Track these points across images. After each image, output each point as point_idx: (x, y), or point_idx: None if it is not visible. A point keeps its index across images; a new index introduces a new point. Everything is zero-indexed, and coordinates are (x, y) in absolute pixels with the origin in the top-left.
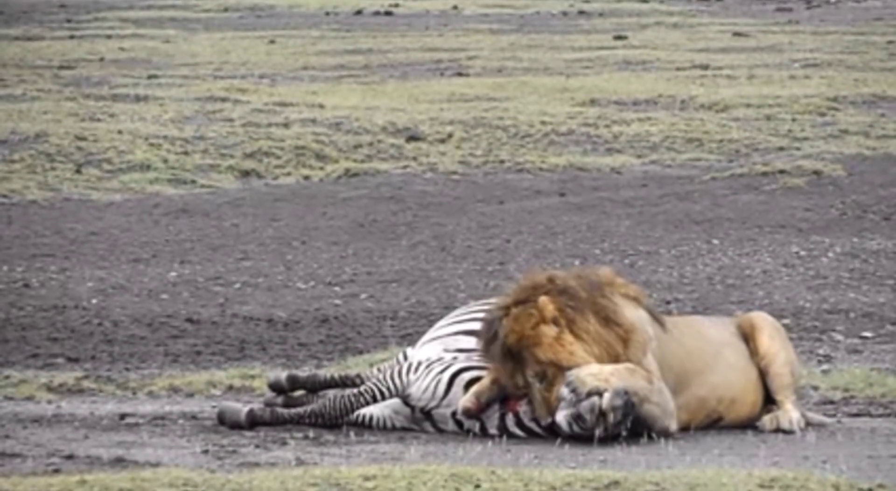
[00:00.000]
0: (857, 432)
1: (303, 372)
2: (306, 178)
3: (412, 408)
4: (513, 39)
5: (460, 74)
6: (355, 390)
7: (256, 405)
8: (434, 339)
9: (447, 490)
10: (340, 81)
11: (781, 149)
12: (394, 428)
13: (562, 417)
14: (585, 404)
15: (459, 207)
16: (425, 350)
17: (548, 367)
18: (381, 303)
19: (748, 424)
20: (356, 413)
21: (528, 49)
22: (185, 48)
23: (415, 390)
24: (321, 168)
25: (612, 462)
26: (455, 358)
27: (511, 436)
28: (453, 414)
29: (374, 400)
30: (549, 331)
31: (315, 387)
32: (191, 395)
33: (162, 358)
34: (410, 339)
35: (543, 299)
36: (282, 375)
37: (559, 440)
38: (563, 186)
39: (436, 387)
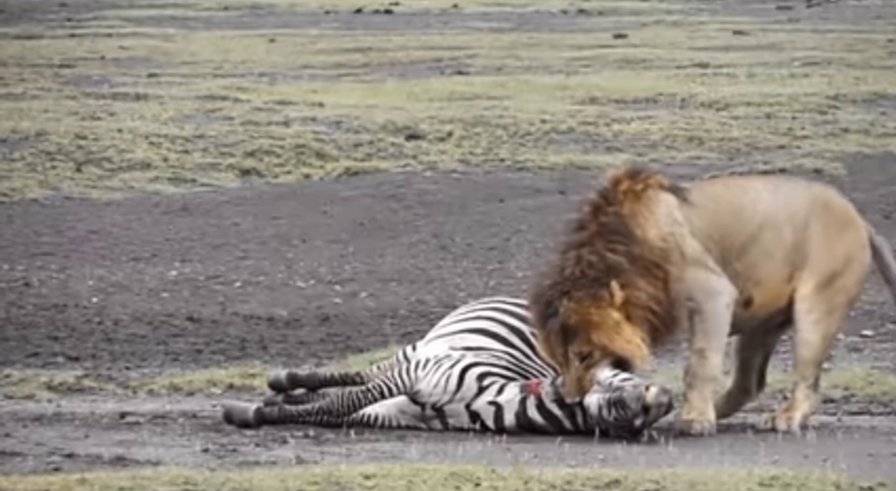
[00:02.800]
0: (857, 431)
1: (303, 371)
2: (306, 176)
3: (422, 405)
4: (513, 38)
5: (460, 73)
6: (363, 387)
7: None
8: (439, 337)
9: (447, 489)
10: (340, 80)
11: (782, 147)
12: (399, 427)
13: (594, 399)
14: (632, 392)
15: (459, 206)
16: (431, 348)
17: (597, 349)
18: (382, 301)
19: (777, 314)
20: (361, 412)
21: (528, 47)
22: (186, 47)
23: (424, 386)
24: (321, 167)
25: (613, 460)
26: (463, 355)
27: (528, 424)
28: (467, 407)
29: (382, 396)
30: (613, 316)
31: (315, 385)
32: (191, 393)
33: (162, 357)
34: (410, 337)
35: (615, 284)
36: (282, 373)
37: (559, 440)
38: (563, 185)
39: (447, 381)
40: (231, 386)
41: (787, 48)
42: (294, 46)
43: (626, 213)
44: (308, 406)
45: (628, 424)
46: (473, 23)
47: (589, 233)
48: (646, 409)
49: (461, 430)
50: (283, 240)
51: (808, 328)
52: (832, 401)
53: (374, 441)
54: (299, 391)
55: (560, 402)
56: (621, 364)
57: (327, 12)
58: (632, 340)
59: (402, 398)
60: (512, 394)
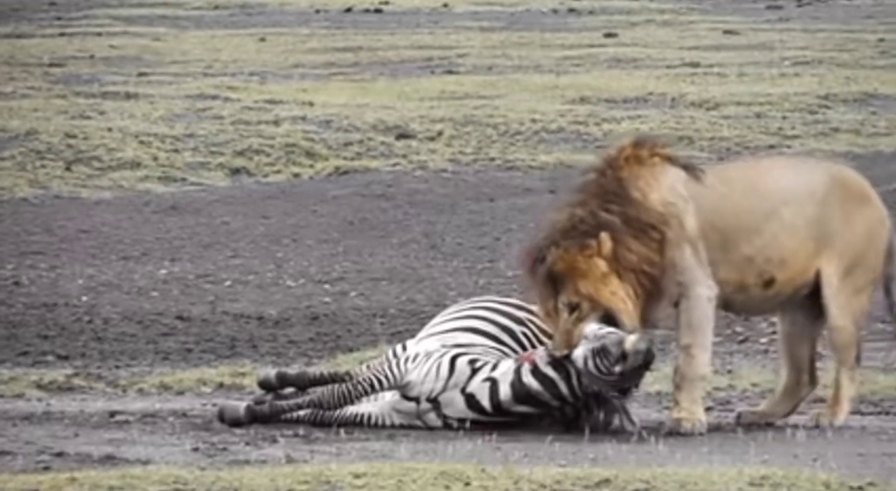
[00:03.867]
0: (847, 430)
1: (292, 370)
2: (296, 175)
3: (416, 400)
4: (503, 37)
5: (450, 72)
6: (353, 380)
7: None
8: (430, 335)
9: (437, 488)
10: (330, 79)
11: (772, 147)
12: (393, 426)
13: (580, 351)
14: (613, 337)
15: (449, 205)
16: (422, 345)
17: (584, 300)
18: (371, 301)
19: (801, 290)
20: (354, 412)
21: (518, 47)
22: (176, 46)
23: (415, 377)
24: (311, 166)
25: (603, 460)
26: (453, 348)
27: (524, 393)
28: (462, 391)
29: (372, 389)
30: (600, 266)
31: (304, 384)
32: (181, 392)
33: (152, 356)
34: (400, 336)
35: (605, 235)
36: (271, 372)
37: (550, 439)
38: (553, 184)
39: (438, 369)
40: (221, 385)
41: (777, 48)
42: (284, 45)
43: (626, 176)
44: (298, 400)
45: (611, 376)
46: (463, 22)
47: (586, 193)
48: (625, 355)
49: (452, 429)
50: (272, 239)
51: (838, 313)
52: (822, 400)
53: (364, 440)
54: (289, 391)
55: (554, 364)
56: (609, 322)
57: (317, 11)
58: (617, 293)
59: (396, 397)
60: (506, 367)
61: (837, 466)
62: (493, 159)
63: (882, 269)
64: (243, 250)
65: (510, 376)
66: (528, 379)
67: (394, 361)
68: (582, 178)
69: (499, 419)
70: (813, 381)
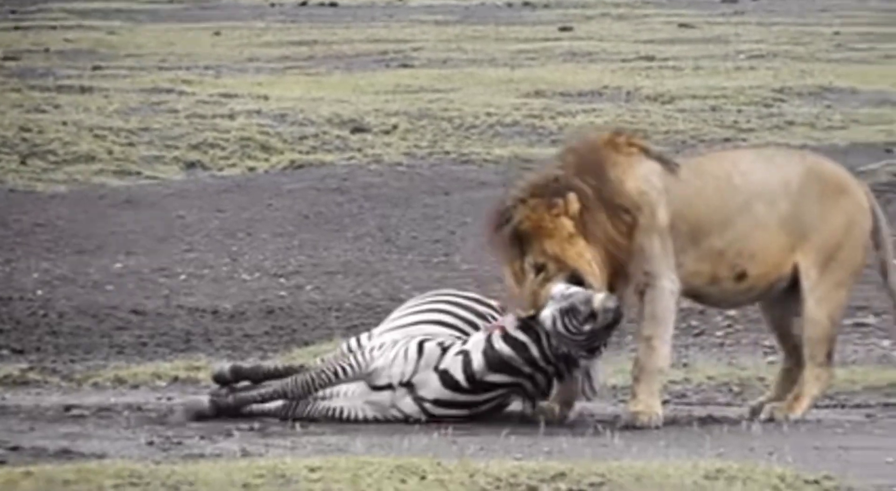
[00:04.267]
0: (803, 424)
1: (247, 363)
2: (251, 169)
3: (388, 387)
4: (458, 31)
5: (405, 66)
6: (317, 369)
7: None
8: (394, 328)
9: (393, 482)
10: (285, 73)
11: (727, 140)
12: (366, 420)
13: (548, 312)
14: (581, 295)
15: (404, 199)
16: (386, 336)
17: (550, 261)
18: (327, 294)
19: (777, 284)
20: (326, 406)
21: (473, 40)
22: (130, 40)
23: (382, 363)
24: (266, 159)
25: (558, 453)
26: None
27: (497, 359)
28: (436, 369)
29: (337, 378)
30: (567, 225)
31: (259, 378)
32: (136, 386)
33: (107, 349)
34: (356, 330)
35: (572, 195)
36: (226, 366)
37: (506, 432)
38: (508, 178)
39: (406, 353)
40: (176, 379)
41: (732, 41)
42: (239, 39)
43: (605, 158)
44: (262, 391)
45: (580, 335)
46: (418, 16)
47: (562, 162)
48: (594, 314)
49: (427, 416)
50: (227, 233)
51: (814, 306)
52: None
53: (319, 434)
54: (243, 384)
55: (524, 327)
56: (576, 283)
57: (272, 5)
58: (584, 255)
59: (367, 389)
60: (477, 338)
61: (793, 459)
62: (447, 153)
63: (872, 256)
64: (198, 244)
65: (482, 345)
66: (500, 345)
67: (358, 351)
68: (559, 153)
69: (474, 399)
70: None
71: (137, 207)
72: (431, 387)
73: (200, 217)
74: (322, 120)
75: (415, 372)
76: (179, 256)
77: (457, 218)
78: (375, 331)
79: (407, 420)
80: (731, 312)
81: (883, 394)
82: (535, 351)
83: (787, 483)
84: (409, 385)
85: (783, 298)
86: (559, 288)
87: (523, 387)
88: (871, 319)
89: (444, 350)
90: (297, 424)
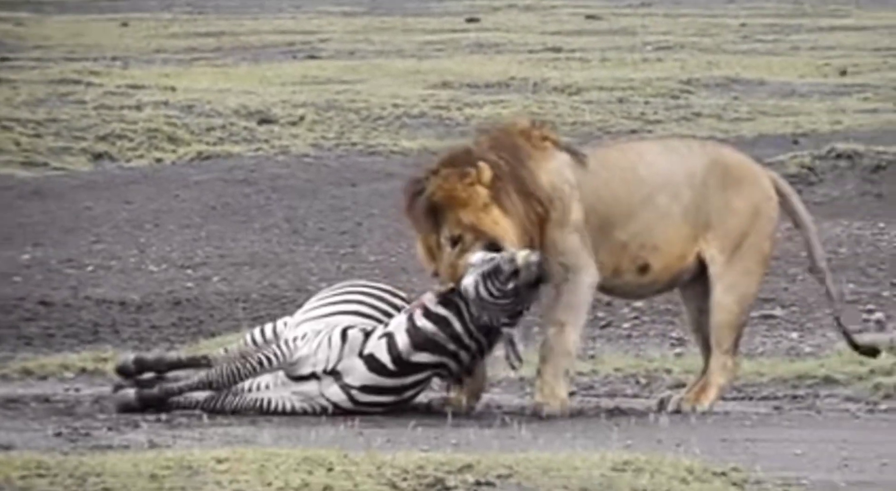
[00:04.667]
0: (710, 416)
1: (150, 355)
2: (158, 160)
3: (313, 376)
4: (365, 22)
5: (312, 57)
6: (243, 359)
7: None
8: (312, 319)
9: (299, 473)
10: (193, 64)
11: (634, 132)
12: (293, 412)
13: (470, 279)
14: (504, 255)
15: (311, 190)
16: (305, 327)
17: (467, 231)
18: (234, 286)
19: (681, 276)
20: (253, 398)
21: (380, 32)
22: (38, 31)
23: (306, 351)
24: (173, 151)
25: (465, 445)
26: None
27: (421, 338)
28: (360, 354)
29: (262, 367)
30: (481, 193)
31: (163, 368)
32: (44, 377)
33: (14, 341)
34: (262, 321)
35: (484, 164)
36: (129, 357)
37: (413, 424)
38: (414, 169)
39: (329, 340)
40: (83, 370)
41: (639, 33)
42: (146, 30)
43: (520, 146)
44: (189, 381)
45: (504, 298)
46: (325, 7)
47: (478, 142)
48: (517, 271)
49: (356, 406)
50: (135, 224)
51: (722, 292)
52: (684, 385)
53: (226, 426)
54: (147, 375)
55: (445, 302)
56: (494, 250)
57: None
58: (500, 223)
59: (287, 380)
60: (398, 320)
61: (701, 451)
62: (354, 144)
63: (779, 248)
64: (106, 235)
65: (404, 325)
66: (422, 322)
67: (282, 341)
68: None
69: (400, 382)
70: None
71: (45, 199)
72: (357, 373)
73: (108, 208)
74: (229, 111)
75: (339, 359)
76: (87, 247)
77: (364, 209)
78: (290, 321)
79: (335, 409)
80: (639, 304)
81: (790, 386)
82: (457, 325)
83: (694, 475)
84: (334, 373)
85: (702, 303)
86: (478, 255)
87: (448, 367)
88: (778, 311)
89: (367, 335)
90: (205, 416)
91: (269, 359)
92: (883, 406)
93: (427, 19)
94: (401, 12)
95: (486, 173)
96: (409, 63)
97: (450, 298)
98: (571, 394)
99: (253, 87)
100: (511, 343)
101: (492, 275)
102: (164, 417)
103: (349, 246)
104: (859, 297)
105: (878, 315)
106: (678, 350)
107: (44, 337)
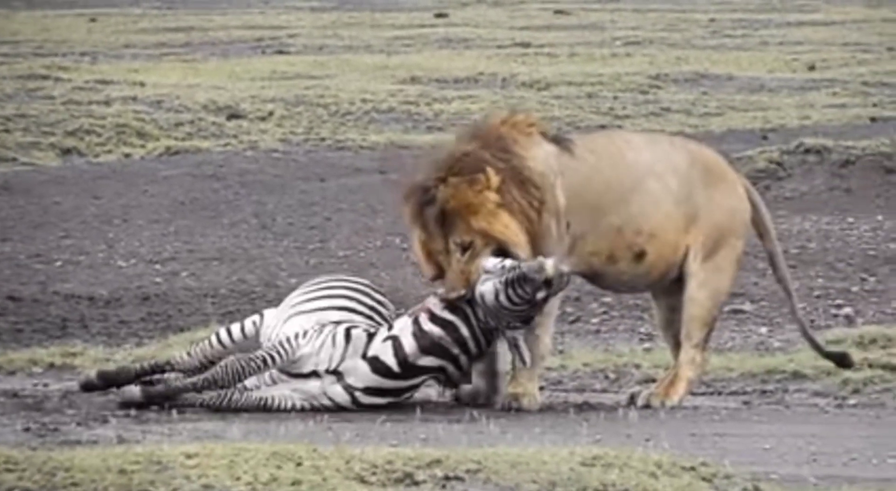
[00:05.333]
0: (679, 410)
1: (112, 368)
2: (127, 156)
3: (314, 374)
4: (334, 17)
5: (281, 52)
6: (246, 357)
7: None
8: (299, 313)
9: (269, 468)
10: (161, 59)
11: (603, 127)
12: (293, 408)
13: (489, 286)
14: (532, 265)
15: (280, 185)
16: (296, 323)
17: (477, 236)
18: (203, 281)
19: (672, 268)
20: (257, 396)
21: (348, 27)
22: (6, 26)
23: (309, 349)
24: (142, 146)
25: (434, 440)
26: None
27: (428, 342)
28: (363, 357)
29: (265, 365)
30: (491, 199)
31: (129, 379)
32: (12, 372)
33: None
34: (231, 316)
35: (491, 170)
36: (91, 373)
37: (381, 419)
38: (383, 164)
39: (333, 339)
40: (52, 365)
41: (608, 28)
42: (115, 26)
43: (506, 136)
44: (193, 379)
45: (524, 305)
46: (294, 2)
47: (463, 139)
48: (548, 282)
49: (358, 406)
50: (103, 219)
51: (696, 287)
52: (654, 381)
53: (195, 421)
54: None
55: (451, 307)
56: (502, 255)
57: None
58: (510, 226)
59: (292, 378)
60: (403, 322)
61: (670, 446)
62: (323, 139)
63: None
64: (74, 230)
65: (410, 328)
66: (429, 326)
67: (284, 338)
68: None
69: (402, 385)
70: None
71: (13, 194)
72: (361, 374)
73: (76, 204)
74: (198, 106)
75: (342, 359)
76: (55, 242)
77: (333, 204)
78: (271, 314)
79: (336, 409)
80: (608, 299)
81: (759, 381)
82: (464, 330)
83: (663, 470)
84: (336, 373)
85: (673, 301)
86: (493, 261)
87: (447, 371)
88: (747, 306)
89: (371, 336)
90: (174, 411)
91: (272, 357)
92: (851, 401)
93: (396, 14)
94: (369, 7)
95: (495, 179)
96: (378, 58)
97: (455, 304)
98: (541, 388)
99: (222, 82)
100: (516, 347)
101: (516, 283)
102: (133, 412)
103: (318, 241)
104: (828, 292)
105: (847, 310)
106: (647, 345)
107: (12, 332)
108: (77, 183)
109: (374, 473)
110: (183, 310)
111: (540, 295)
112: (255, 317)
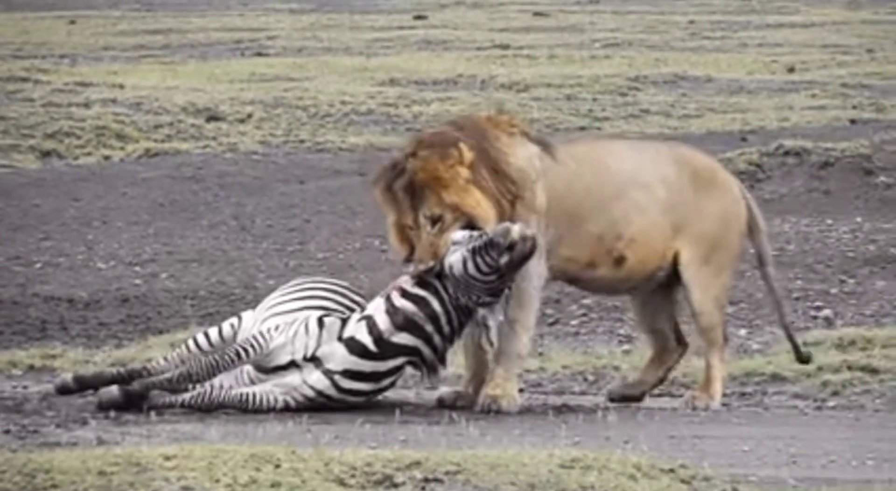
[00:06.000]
0: (658, 412)
1: (89, 372)
2: (107, 158)
3: (293, 365)
4: (313, 19)
5: (260, 54)
6: (220, 352)
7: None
8: (278, 314)
9: (247, 470)
10: (140, 61)
11: (582, 129)
12: (275, 403)
13: (457, 256)
14: (498, 229)
15: (259, 187)
16: (272, 323)
17: (448, 210)
18: (182, 283)
19: (658, 273)
20: (238, 392)
21: (327, 29)
22: None
23: (282, 340)
24: (122, 148)
25: (414, 442)
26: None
27: (402, 318)
28: (339, 338)
29: (239, 358)
30: (463, 174)
31: (104, 383)
32: None
33: None
34: (211, 318)
35: (464, 145)
36: (67, 377)
37: (360, 420)
38: (362, 166)
39: (306, 327)
40: (31, 367)
41: (587, 30)
42: (94, 28)
43: (489, 131)
44: (168, 375)
45: (492, 273)
46: (273, 4)
47: (446, 126)
48: (512, 245)
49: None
50: (83, 221)
51: (700, 297)
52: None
53: (174, 422)
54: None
55: (421, 283)
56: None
57: None
58: (481, 203)
59: (270, 374)
60: (376, 303)
61: (649, 448)
62: (302, 141)
63: (743, 245)
64: (54, 233)
65: (383, 306)
66: (401, 302)
67: (256, 332)
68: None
69: (380, 366)
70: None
71: None
72: (338, 357)
73: (56, 206)
74: (177, 108)
75: (318, 346)
76: (35, 244)
77: (312, 206)
78: (249, 317)
79: (319, 397)
80: (587, 301)
81: (738, 383)
82: (436, 305)
83: (642, 472)
84: (314, 359)
85: (651, 295)
86: (462, 234)
87: (422, 353)
88: (727, 308)
89: (345, 321)
90: (153, 412)
91: (245, 350)
92: (830, 403)
93: (375, 16)
94: (348, 9)
95: (468, 154)
96: (357, 60)
97: (427, 280)
98: (520, 391)
99: (201, 84)
100: (485, 326)
101: (482, 250)
102: (112, 413)
103: (297, 243)
104: (807, 293)
105: (826, 312)
106: (626, 347)
107: None
108: (56, 185)
109: (353, 476)
110: (162, 312)
111: (504, 259)
112: (233, 320)
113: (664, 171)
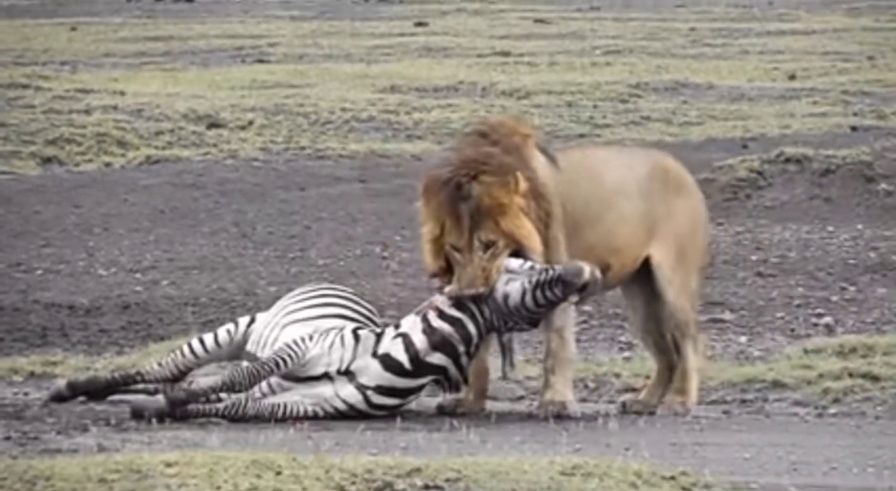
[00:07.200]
0: (659, 419)
1: (82, 378)
2: (108, 164)
3: (326, 376)
4: (314, 26)
5: (261, 61)
6: (259, 361)
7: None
8: (294, 322)
9: (248, 477)
10: (141, 68)
11: (583, 136)
12: (305, 413)
13: (516, 286)
14: (570, 268)
15: (260, 194)
16: (293, 330)
17: (502, 237)
18: (183, 289)
19: (625, 276)
20: (270, 403)
21: (328, 36)
22: None
23: (318, 351)
24: (122, 155)
25: (414, 449)
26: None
27: (438, 338)
28: (374, 354)
29: (278, 367)
30: (519, 203)
31: (98, 389)
32: None
33: None
34: (211, 325)
35: (520, 174)
36: (61, 384)
37: (361, 427)
38: (363, 173)
39: (342, 340)
40: (32, 374)
41: (588, 36)
42: (95, 35)
43: (521, 146)
44: (213, 383)
45: (549, 307)
46: (274, 11)
47: (486, 141)
48: (584, 286)
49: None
50: (84, 228)
51: (676, 296)
52: (634, 389)
53: (175, 429)
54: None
55: (458, 305)
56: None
57: (129, 1)
58: (533, 233)
59: (306, 384)
60: (411, 320)
61: (650, 455)
62: (303, 148)
63: (707, 246)
64: (55, 239)
65: (419, 325)
66: (438, 323)
67: (291, 342)
68: (461, 142)
69: (412, 384)
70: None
71: None
72: (372, 373)
73: (57, 212)
74: (178, 115)
75: (353, 359)
76: (36, 251)
77: (312, 213)
78: (263, 319)
79: (349, 411)
80: (587, 308)
81: (739, 390)
82: (471, 327)
83: (643, 479)
84: (348, 373)
85: (643, 306)
86: (517, 262)
87: (448, 372)
88: (727, 316)
89: (379, 336)
90: (154, 420)
91: (283, 359)
92: (831, 410)
93: (375, 23)
94: (349, 16)
95: (524, 184)
96: (358, 67)
97: (462, 302)
98: (520, 398)
99: (202, 91)
100: (510, 349)
101: (548, 284)
102: (112, 420)
103: (298, 250)
104: (808, 300)
105: (827, 319)
106: (626, 354)
107: None
108: (57, 192)
109: (353, 482)
110: (163, 318)
111: (573, 298)
112: (230, 326)
113: (640, 177)
